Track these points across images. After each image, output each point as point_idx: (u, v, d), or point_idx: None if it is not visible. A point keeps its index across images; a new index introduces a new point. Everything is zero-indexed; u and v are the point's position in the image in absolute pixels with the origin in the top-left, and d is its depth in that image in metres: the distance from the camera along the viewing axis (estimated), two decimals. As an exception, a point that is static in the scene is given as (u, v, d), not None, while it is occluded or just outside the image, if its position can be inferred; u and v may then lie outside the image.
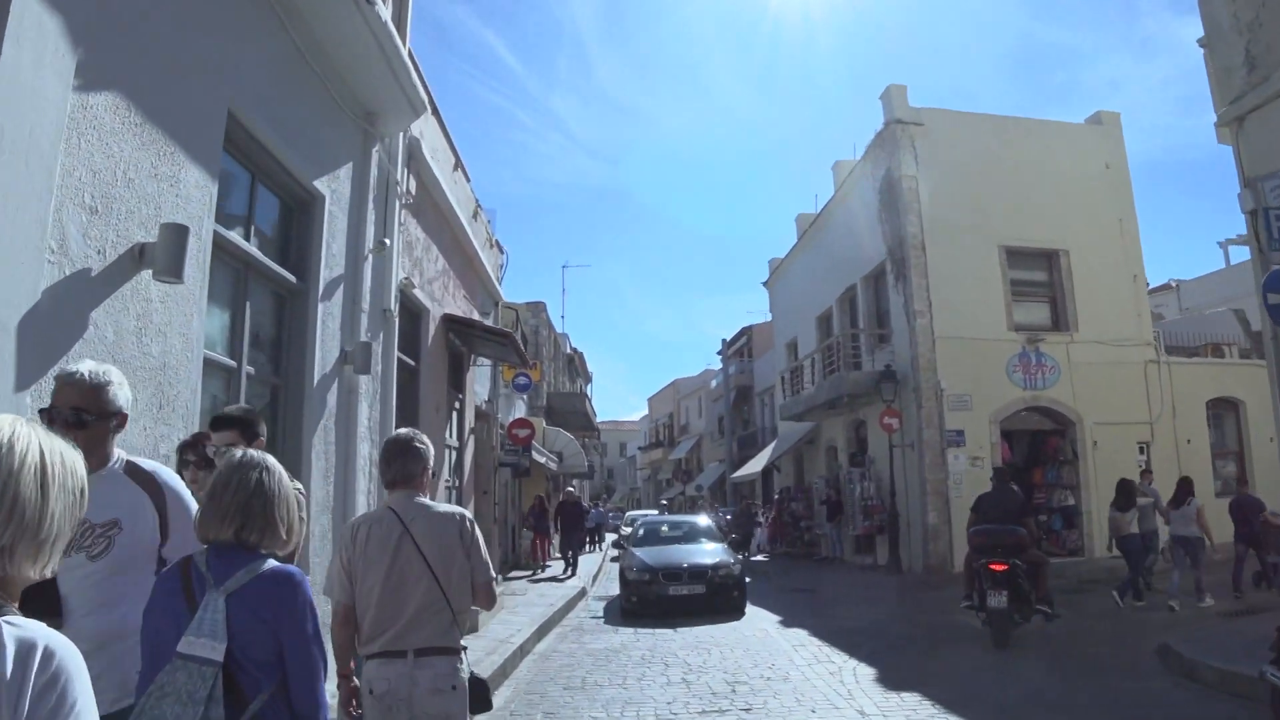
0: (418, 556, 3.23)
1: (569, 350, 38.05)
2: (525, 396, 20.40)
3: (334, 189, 6.77)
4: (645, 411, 77.35)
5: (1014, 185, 18.59)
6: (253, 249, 5.58)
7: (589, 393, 43.82)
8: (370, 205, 7.58)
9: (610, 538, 32.53)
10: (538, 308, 27.03)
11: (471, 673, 3.36)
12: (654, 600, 12.41)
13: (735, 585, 12.71)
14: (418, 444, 3.43)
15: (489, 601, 3.50)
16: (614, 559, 22.45)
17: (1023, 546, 9.47)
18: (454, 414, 12.28)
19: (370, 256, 7.59)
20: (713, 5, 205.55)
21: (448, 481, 11.40)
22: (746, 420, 41.74)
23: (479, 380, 14.24)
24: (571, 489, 19.83)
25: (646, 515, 21.54)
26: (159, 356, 4.17)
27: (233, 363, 5.37)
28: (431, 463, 3.50)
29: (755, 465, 28.91)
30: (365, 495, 7.36)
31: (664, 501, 45.18)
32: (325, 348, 6.58)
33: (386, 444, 3.56)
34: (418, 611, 3.20)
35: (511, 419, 17.25)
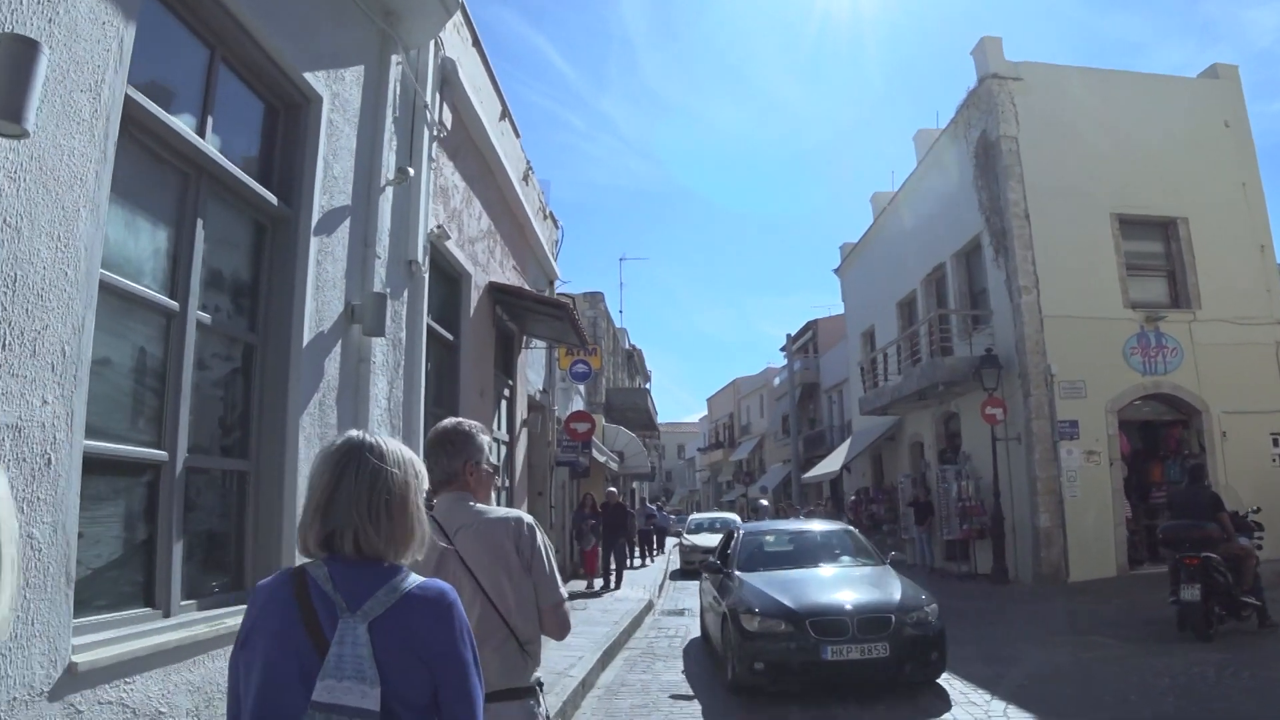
0: (466, 576, 2.61)
1: (628, 346, 36.45)
2: (583, 388, 18.76)
3: (337, 93, 5.20)
4: (703, 412, 75.74)
5: (1124, 147, 16.49)
6: (209, 148, 4.00)
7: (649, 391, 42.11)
8: (389, 126, 6.00)
9: (670, 542, 30.79)
10: (595, 298, 25.40)
11: (547, 715, 2.75)
12: (798, 670, 7.22)
13: (933, 643, 7.40)
14: (460, 432, 2.80)
15: (558, 628, 2.79)
16: (677, 572, 21.08)
17: (1212, 541, 9.24)
18: (503, 402, 10.72)
19: (389, 189, 6.01)
20: (760, 1, 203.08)
21: (497, 481, 9.81)
22: (813, 419, 39.99)
23: (532, 366, 12.66)
24: (614, 489, 17.61)
25: (720, 517, 19.45)
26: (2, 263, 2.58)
27: (172, 303, 3.80)
28: (482, 453, 2.81)
29: (830, 464, 26.89)
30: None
31: (728, 502, 43.00)
32: (322, 297, 5.00)
33: (425, 446, 2.87)
34: (478, 644, 2.32)
35: (569, 412, 15.62)
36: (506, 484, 10.74)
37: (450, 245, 7.71)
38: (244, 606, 1.77)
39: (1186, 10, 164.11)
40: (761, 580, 8.32)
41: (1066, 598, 13.27)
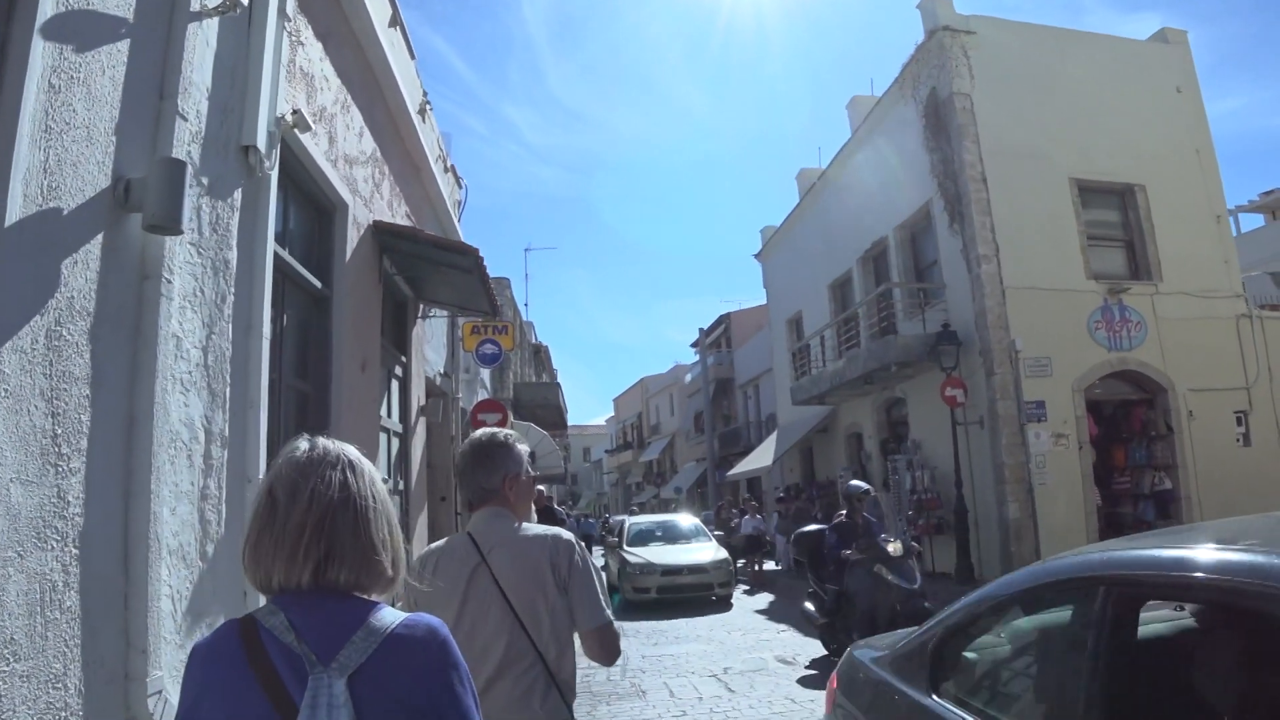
0: (497, 596, 2.40)
1: (535, 340, 34.14)
2: (489, 377, 16.47)
3: None
4: (610, 414, 73.82)
5: (1080, 109, 15.29)
6: None
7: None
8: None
9: (597, 552, 28.52)
10: (501, 284, 22.95)
11: None
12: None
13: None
14: (497, 444, 2.62)
15: (607, 653, 2.47)
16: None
17: None
18: (394, 383, 8.47)
19: (208, 23, 3.78)
20: (664, 9, 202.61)
21: (385, 481, 7.57)
22: (727, 416, 38.52)
23: (431, 343, 10.39)
24: (542, 488, 15.90)
25: (667, 521, 18.66)
26: None
27: None
28: (521, 464, 2.63)
29: (757, 460, 25.13)
30: (189, 503, 3.58)
31: (634, 507, 40.91)
32: (60, 150, 2.77)
33: (460, 458, 2.67)
34: (499, 671, 2.34)
35: (476, 401, 13.34)
36: (401, 485, 8.50)
37: (316, 152, 5.48)
38: None
39: None
40: None
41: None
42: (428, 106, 9.72)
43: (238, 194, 4.25)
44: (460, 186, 12.35)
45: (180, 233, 3.27)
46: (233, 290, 4.11)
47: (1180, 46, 17.10)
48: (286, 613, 1.33)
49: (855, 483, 10.08)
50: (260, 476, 4.14)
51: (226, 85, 4.11)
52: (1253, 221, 28.83)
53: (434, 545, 2.68)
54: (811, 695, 7.42)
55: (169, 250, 3.38)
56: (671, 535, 17.24)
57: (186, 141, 3.63)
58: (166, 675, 3.19)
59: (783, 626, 11.80)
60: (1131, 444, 15.25)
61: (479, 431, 2.72)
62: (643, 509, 39.17)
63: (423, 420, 9.28)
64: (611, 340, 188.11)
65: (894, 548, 8.51)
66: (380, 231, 7.10)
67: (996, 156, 14.54)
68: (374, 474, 1.48)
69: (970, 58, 14.91)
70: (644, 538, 17.01)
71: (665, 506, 40.60)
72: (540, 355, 36.10)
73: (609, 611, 2.52)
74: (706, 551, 15.70)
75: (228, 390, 3.98)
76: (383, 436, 7.77)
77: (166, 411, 3.36)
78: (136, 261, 3.27)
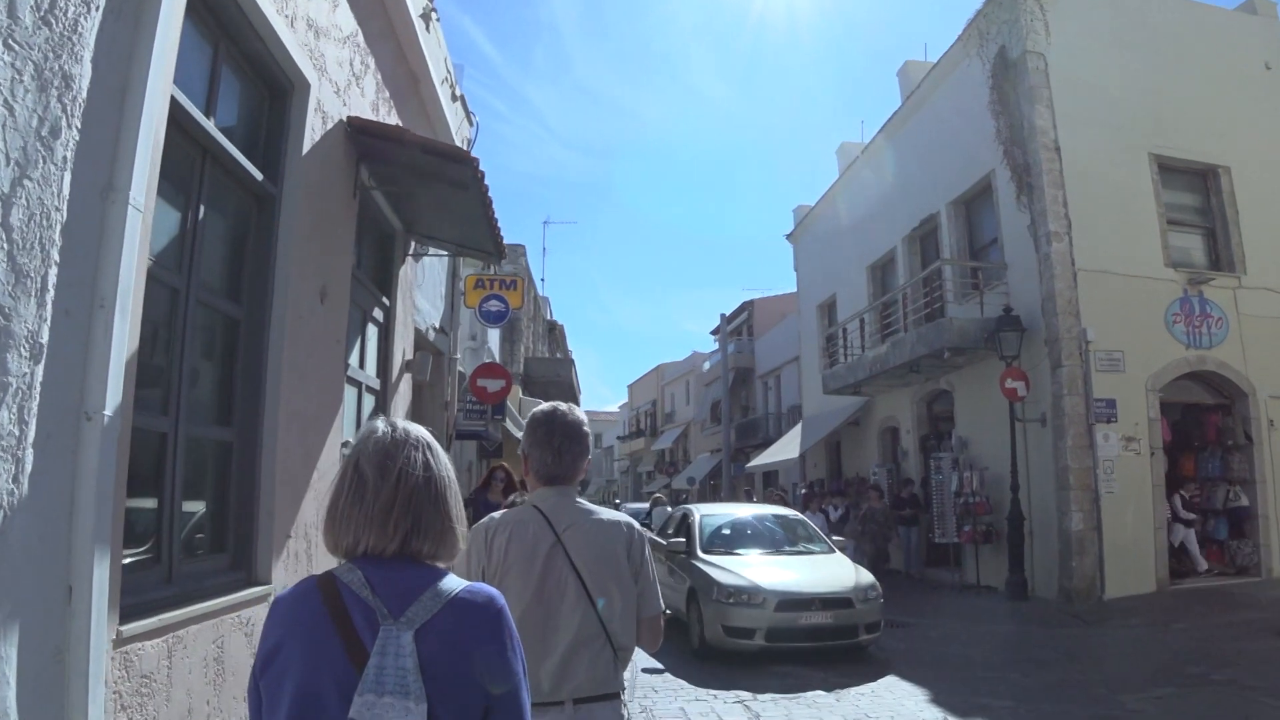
0: (573, 576, 2.49)
1: (549, 317, 32.71)
2: (497, 341, 15.00)
3: None
4: (624, 400, 72.56)
5: (1162, 79, 13.68)
6: None
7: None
8: None
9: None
10: (515, 252, 21.47)
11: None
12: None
13: None
14: (584, 428, 2.68)
15: (655, 640, 2.69)
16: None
17: None
18: (370, 327, 7.04)
19: None
20: (696, 1, 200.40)
21: (345, 447, 6.13)
22: (745, 406, 37.13)
23: (425, 290, 8.96)
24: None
25: (760, 516, 11.81)
26: None
27: None
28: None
29: (781, 452, 23.63)
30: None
31: (660, 495, 39.08)
32: None
33: (541, 423, 2.65)
34: (574, 647, 2.45)
35: (478, 366, 11.86)
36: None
37: (266, 3, 4.06)
38: None
39: None
40: None
41: (1127, 622, 10.30)
42: (433, 14, 8.27)
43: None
44: (471, 124, 10.90)
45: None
46: (77, 125, 2.69)
47: (1270, 19, 15.49)
48: (364, 571, 1.47)
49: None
50: (108, 412, 2.75)
51: None
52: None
53: (497, 517, 2.69)
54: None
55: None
56: (770, 538, 10.96)
57: None
58: None
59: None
60: (1204, 453, 13.73)
61: (563, 406, 2.71)
62: (674, 498, 35.61)
63: (407, 378, 7.85)
64: (626, 329, 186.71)
65: None
66: (357, 132, 5.67)
67: (1071, 124, 13.00)
68: (444, 454, 1.64)
69: (1047, 13, 13.33)
70: (729, 541, 10.73)
71: (678, 497, 39.07)
72: (555, 333, 34.70)
73: (662, 602, 2.69)
74: (841, 570, 9.55)
75: (51, 273, 2.56)
76: (351, 391, 6.35)
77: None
78: None
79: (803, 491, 21.24)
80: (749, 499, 23.19)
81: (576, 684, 2.42)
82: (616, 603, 2.51)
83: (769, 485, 27.99)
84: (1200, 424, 13.82)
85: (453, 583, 1.49)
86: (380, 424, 1.60)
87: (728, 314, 37.14)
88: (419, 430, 1.61)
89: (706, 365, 44.28)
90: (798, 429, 23.64)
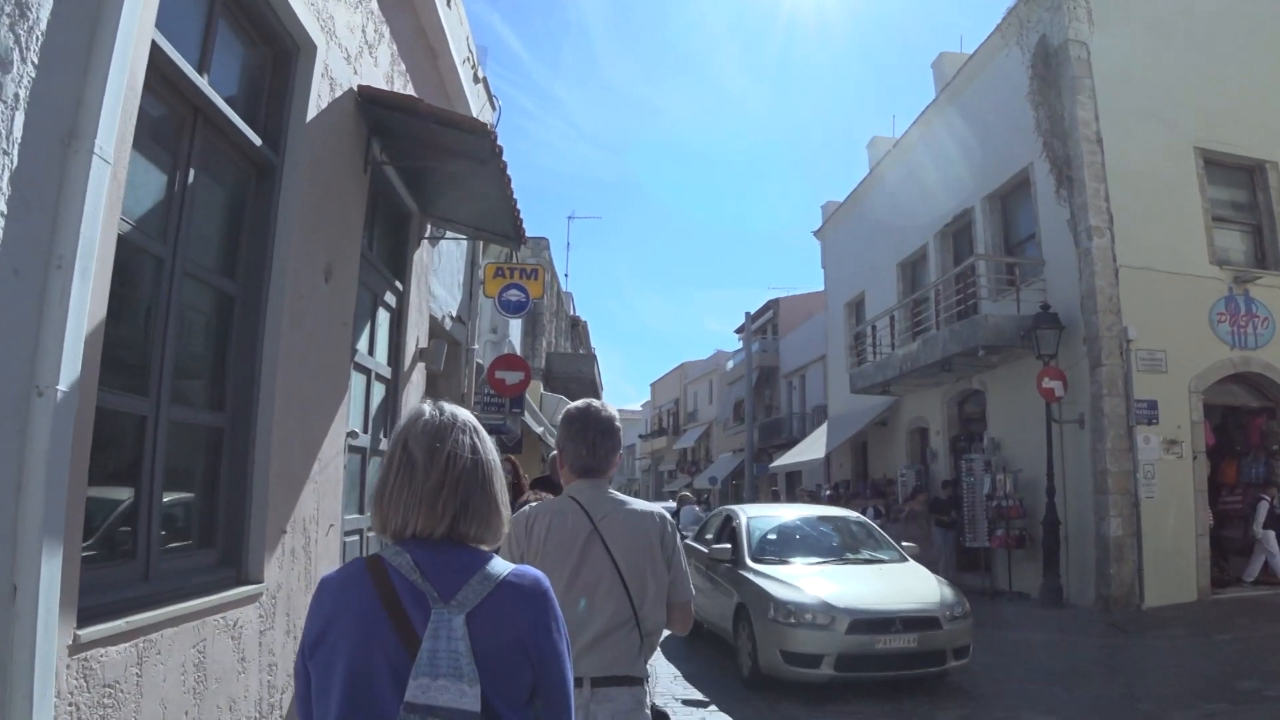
0: (609, 564, 2.60)
1: (572, 313, 32.40)
2: (518, 334, 14.70)
3: None
4: (646, 398, 72.22)
5: (1207, 71, 13.12)
6: None
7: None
8: None
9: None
10: (539, 244, 21.16)
11: (653, 704, 2.68)
12: None
13: None
14: (618, 424, 2.80)
15: (686, 624, 2.80)
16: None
17: None
18: (381, 312, 6.73)
19: None
20: (726, 3, 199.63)
21: (352, 437, 5.81)
22: (769, 406, 36.69)
23: (442, 276, 8.66)
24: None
25: (817, 519, 10.28)
26: None
27: None
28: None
29: (806, 452, 23.19)
30: None
31: (686, 493, 37.96)
32: None
33: (576, 419, 2.77)
34: (604, 631, 2.55)
35: (497, 357, 11.54)
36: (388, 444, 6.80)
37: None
38: None
39: None
40: None
41: (1168, 632, 9.83)
42: (454, -10, 7.95)
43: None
44: (495, 108, 10.58)
45: None
46: (33, 61, 2.37)
47: (1317, 9, 14.88)
48: (413, 554, 1.49)
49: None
50: (62, 387, 2.42)
51: None
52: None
53: (536, 505, 2.83)
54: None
55: None
56: (829, 545, 9.35)
57: None
58: None
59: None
60: (1246, 458, 13.20)
61: (596, 403, 2.82)
62: (695, 498, 34.72)
63: (421, 366, 7.53)
64: (650, 326, 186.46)
65: None
66: (367, 102, 5.35)
67: (1114, 116, 12.50)
68: (489, 438, 1.65)
69: (1090, 1, 12.85)
70: (781, 548, 9.08)
71: (699, 497, 38.70)
72: (578, 329, 34.40)
73: (692, 588, 2.81)
74: (922, 583, 8.14)
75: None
76: (359, 378, 6.05)
77: None
78: None
79: (827, 493, 20.84)
80: (776, 500, 22.80)
81: (598, 665, 2.51)
82: (649, 589, 2.63)
83: (793, 486, 27.59)
84: (1243, 428, 13.31)
85: (500, 566, 1.52)
86: (427, 406, 1.62)
87: (752, 312, 36.83)
88: (465, 414, 1.63)
89: (730, 364, 43.92)
90: (822, 429, 23.20)
